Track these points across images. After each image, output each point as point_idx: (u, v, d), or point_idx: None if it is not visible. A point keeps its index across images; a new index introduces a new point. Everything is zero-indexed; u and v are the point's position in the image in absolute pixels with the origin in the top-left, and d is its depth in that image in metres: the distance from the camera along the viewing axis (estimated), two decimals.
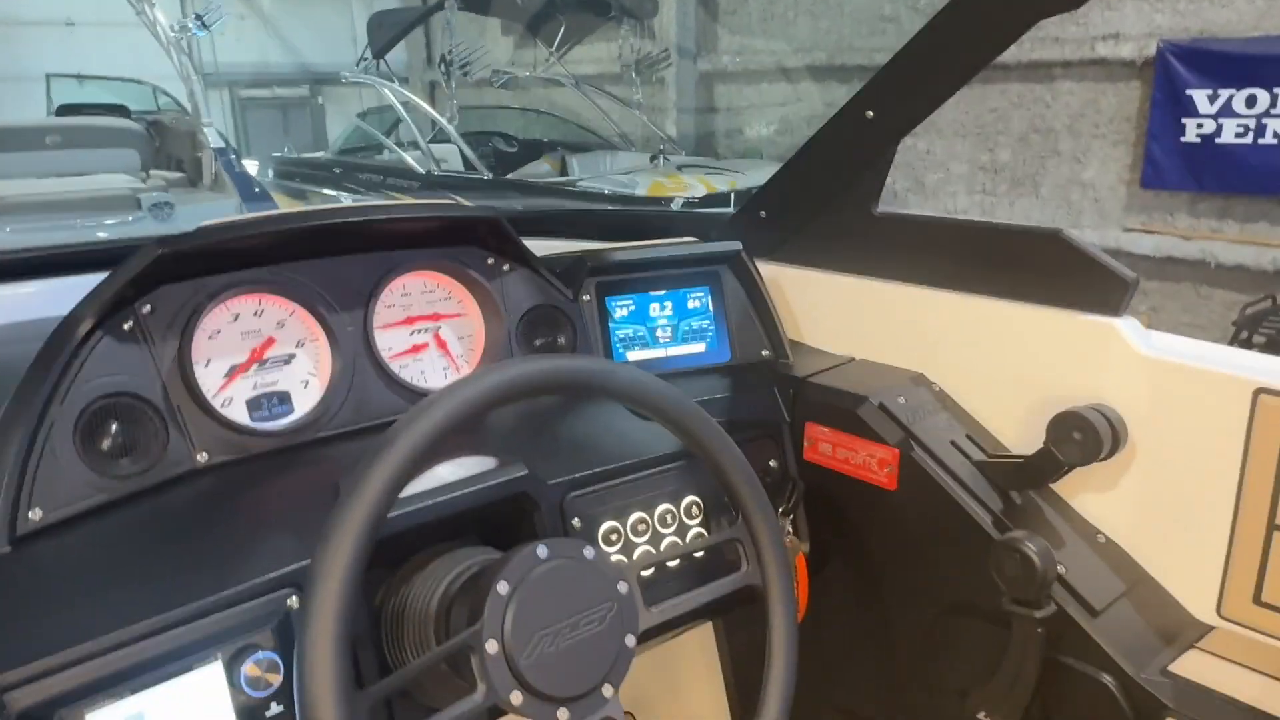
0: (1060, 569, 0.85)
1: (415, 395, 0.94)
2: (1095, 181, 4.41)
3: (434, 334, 0.98)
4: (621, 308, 1.06)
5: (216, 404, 0.85)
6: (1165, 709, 0.77)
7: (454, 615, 0.73)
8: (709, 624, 1.28)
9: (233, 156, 4.25)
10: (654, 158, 5.16)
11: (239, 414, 0.87)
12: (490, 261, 1.01)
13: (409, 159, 5.45)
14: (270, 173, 6.43)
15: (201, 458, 0.83)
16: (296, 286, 0.90)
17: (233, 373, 0.88)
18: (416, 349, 0.97)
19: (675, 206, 4.40)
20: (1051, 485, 0.93)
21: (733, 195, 4.43)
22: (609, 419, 0.96)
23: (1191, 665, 0.80)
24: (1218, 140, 3.91)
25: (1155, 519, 0.88)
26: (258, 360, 0.89)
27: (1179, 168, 4.07)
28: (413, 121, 5.61)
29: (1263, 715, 0.74)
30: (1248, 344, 3.44)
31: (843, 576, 1.04)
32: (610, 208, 2.63)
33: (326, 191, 5.76)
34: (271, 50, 9.40)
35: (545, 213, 1.84)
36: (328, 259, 0.92)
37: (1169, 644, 0.83)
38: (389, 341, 0.95)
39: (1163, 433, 0.86)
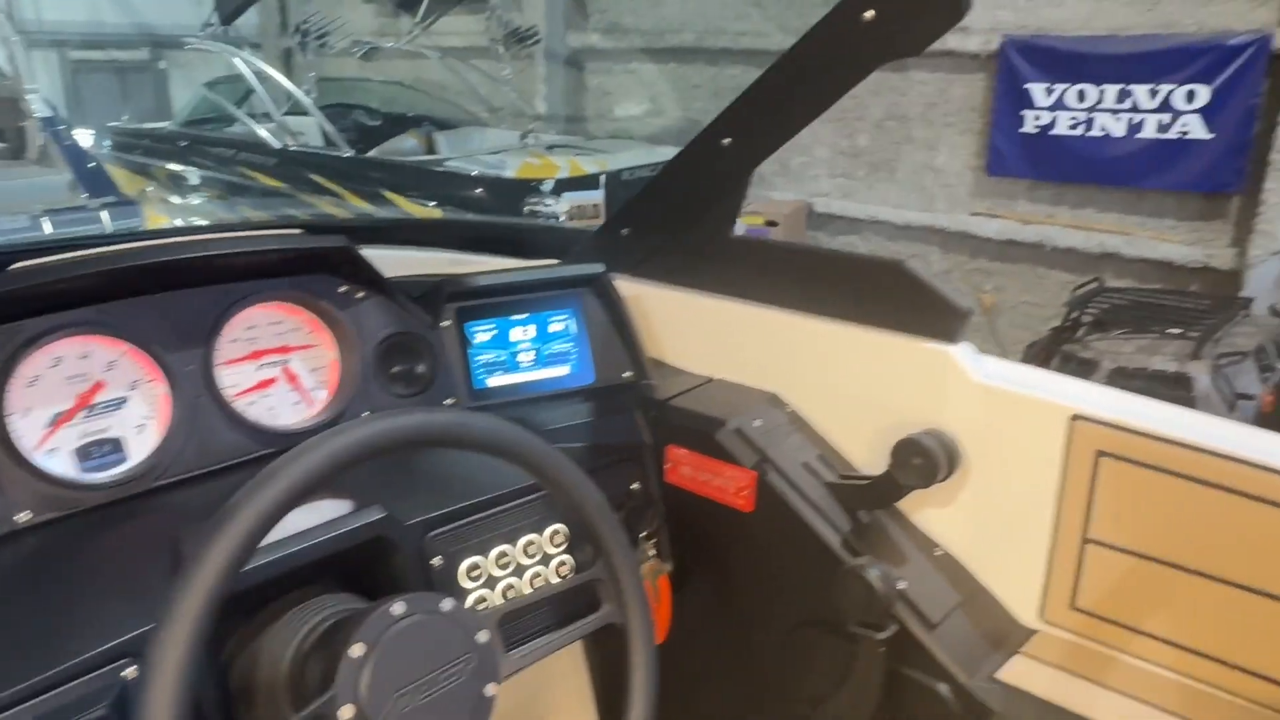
0: (901, 585, 0.91)
1: (263, 434, 0.90)
2: (946, 167, 4.65)
3: (283, 368, 0.94)
4: (482, 333, 1.05)
5: (37, 456, 0.79)
6: (992, 714, 0.84)
7: (308, 675, 0.71)
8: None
9: (62, 127, 3.91)
10: (524, 136, 5.08)
11: (64, 466, 0.81)
12: (343, 289, 0.97)
13: (263, 132, 5.15)
14: (107, 145, 5.94)
15: (22, 517, 0.77)
16: (128, 325, 0.84)
17: (56, 421, 0.82)
18: (264, 384, 0.93)
19: (545, 189, 4.36)
20: (895, 504, 0.99)
21: (602, 177, 4.42)
22: (464, 456, 0.95)
23: (1016, 671, 0.87)
24: (1053, 131, 4.19)
25: (986, 533, 0.95)
26: (85, 406, 0.83)
27: (1019, 156, 4.34)
28: (266, 93, 5.30)
29: (1075, 716, 0.82)
30: (1077, 323, 3.73)
31: (704, 595, 1.07)
32: (472, 217, 2.59)
33: (172, 167, 5.38)
34: (105, 8, 8.64)
35: (402, 222, 1.79)
36: (163, 294, 0.87)
37: (998, 649, 0.90)
38: (233, 379, 0.91)
39: (993, 453, 0.93)
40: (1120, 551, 0.86)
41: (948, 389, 0.94)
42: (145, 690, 0.56)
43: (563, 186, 4.35)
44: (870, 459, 1.00)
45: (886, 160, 4.84)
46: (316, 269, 0.95)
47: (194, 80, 6.81)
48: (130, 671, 0.68)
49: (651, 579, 1.01)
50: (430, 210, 4.46)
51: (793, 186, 5.20)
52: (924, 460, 0.88)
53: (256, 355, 0.93)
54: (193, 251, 0.84)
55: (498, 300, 1.06)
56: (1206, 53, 3.69)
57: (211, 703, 0.72)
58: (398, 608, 0.69)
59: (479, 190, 4.42)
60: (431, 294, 1.03)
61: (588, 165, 4.54)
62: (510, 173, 4.45)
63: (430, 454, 0.95)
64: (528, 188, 4.35)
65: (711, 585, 1.06)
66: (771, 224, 4.78)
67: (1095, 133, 4.10)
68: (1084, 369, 3.99)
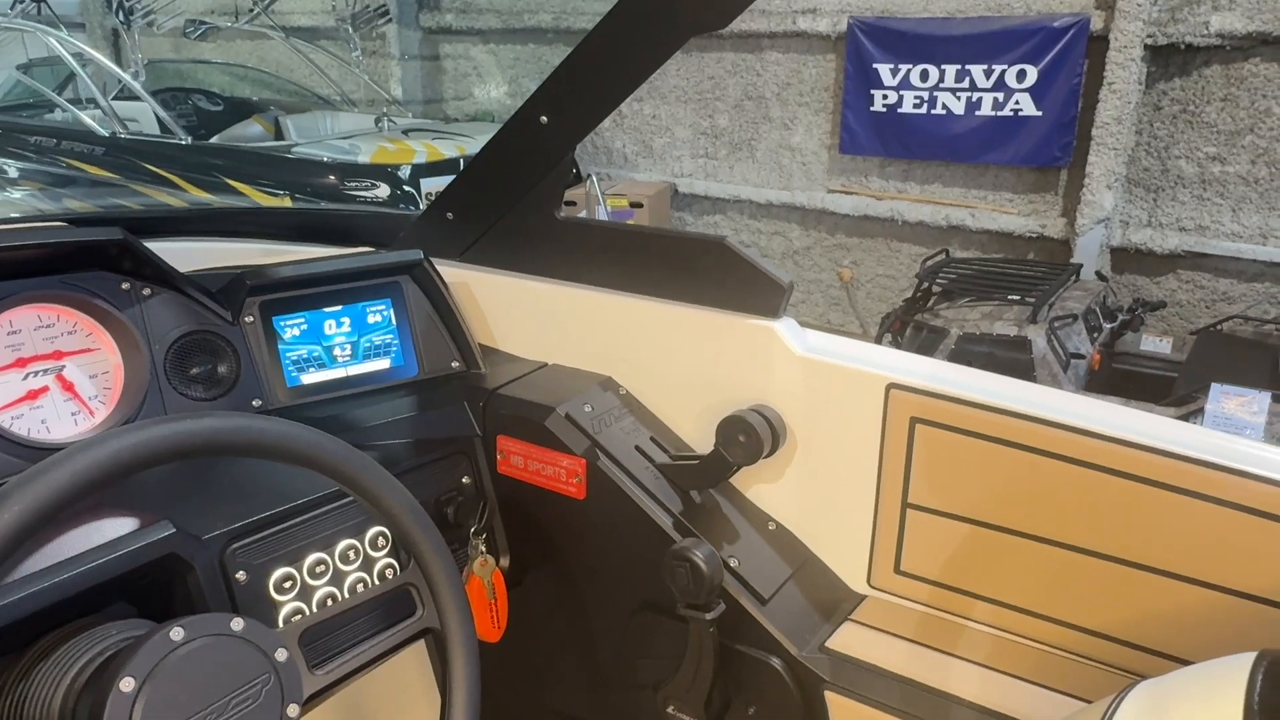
0: (734, 562, 0.91)
1: (33, 450, 0.81)
2: (802, 146, 4.76)
3: (56, 375, 0.85)
4: (292, 328, 0.98)
5: None
6: (824, 683, 0.85)
7: (78, 718, 0.64)
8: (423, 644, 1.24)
9: None
10: (378, 120, 4.89)
11: None
12: (125, 286, 0.89)
13: (88, 120, 4.76)
14: None
15: None
16: None
17: None
18: (33, 395, 0.84)
19: (402, 174, 4.21)
20: (729, 480, 0.99)
21: (461, 161, 4.31)
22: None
23: (845, 638, 0.89)
24: (900, 110, 4.34)
25: (815, 504, 0.96)
26: None
27: (870, 134, 4.48)
28: (89, 77, 4.90)
29: (902, 679, 0.84)
30: (928, 293, 3.90)
31: (543, 586, 1.05)
32: (284, 206, 2.42)
33: None
34: None
35: (209, 212, 1.67)
36: None
37: (829, 619, 0.91)
38: None
39: (817, 424, 0.94)
40: (938, 515, 0.89)
41: (772, 364, 0.94)
42: None
43: (420, 172, 4.21)
44: (703, 437, 0.99)
45: (746, 140, 4.91)
46: (91, 265, 0.86)
47: (7, 64, 6.23)
48: None
49: (485, 576, 0.97)
50: (281, 200, 4.23)
51: (656, 167, 5.21)
52: (748, 437, 0.88)
53: (22, 363, 0.83)
54: None
55: (307, 292, 0.99)
56: (1034, 34, 3.90)
57: None
58: (176, 633, 0.63)
59: (330, 177, 4.22)
60: (231, 288, 0.95)
61: (446, 149, 4.41)
62: (364, 158, 4.27)
63: (231, 461, 0.88)
64: (383, 173, 4.19)
65: (549, 577, 1.04)
66: (636, 205, 4.78)
67: (938, 111, 4.28)
68: (935, 336, 4.19)
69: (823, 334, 0.96)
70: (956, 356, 3.97)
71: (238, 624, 0.66)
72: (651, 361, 1.03)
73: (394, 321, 1.04)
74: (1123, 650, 0.81)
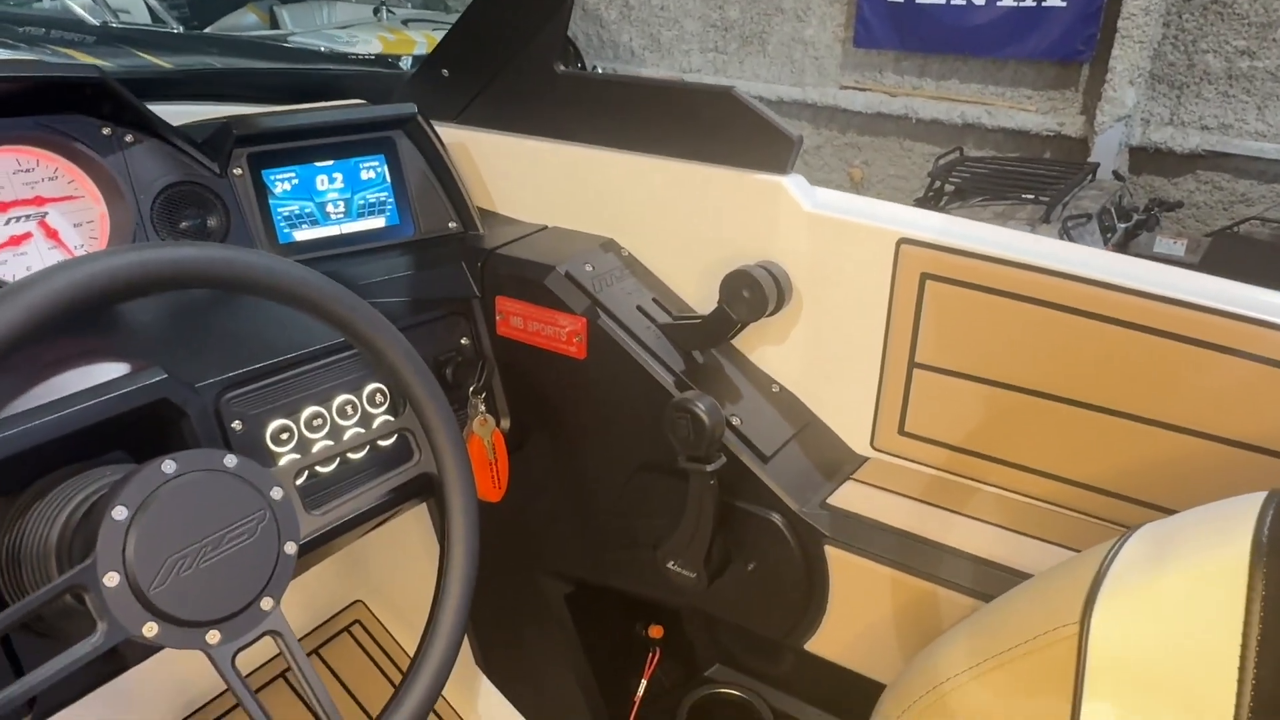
0: (735, 420, 0.90)
1: None
2: (815, 39, 4.59)
3: (39, 222, 0.82)
4: (282, 182, 0.95)
5: None
6: (824, 537, 0.85)
7: (74, 549, 0.64)
8: (424, 506, 1.25)
9: None
10: (376, 10, 4.72)
11: None
12: (106, 132, 0.85)
13: (77, 8, 4.59)
14: None
15: None
16: None
17: None
18: (16, 240, 0.81)
19: (403, 66, 4.07)
20: (732, 342, 0.97)
21: None
22: (265, 310, 0.86)
23: (846, 496, 0.88)
24: (918, 1, 4.17)
25: (820, 365, 0.94)
26: None
27: (886, 27, 4.31)
28: None
29: (902, 533, 0.83)
30: (940, 193, 3.81)
31: (544, 447, 1.04)
32: (267, 65, 2.29)
33: None
34: None
35: (193, 73, 1.60)
36: None
37: (830, 478, 0.91)
38: None
39: (824, 283, 0.91)
40: (946, 374, 0.87)
41: (779, 220, 0.91)
42: None
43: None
44: (706, 299, 0.97)
45: (757, 33, 4.74)
46: (68, 107, 0.83)
47: None
48: None
49: (485, 435, 0.97)
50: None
51: (664, 62, 5.05)
52: (752, 293, 0.86)
53: (3, 208, 0.80)
54: None
55: (296, 145, 0.95)
56: None
57: None
58: (168, 466, 0.62)
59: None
60: (217, 137, 0.92)
61: None
62: (362, 49, 4.13)
63: (228, 308, 0.86)
64: (383, 64, 4.06)
65: (550, 438, 1.03)
66: None
67: (958, 1, 4.10)
68: None
69: (833, 191, 0.93)
70: None
71: (231, 460, 0.65)
72: (654, 221, 0.99)
73: (388, 179, 1.01)
74: (1131, 507, 0.80)
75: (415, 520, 1.29)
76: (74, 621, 0.66)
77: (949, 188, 3.79)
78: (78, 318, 0.57)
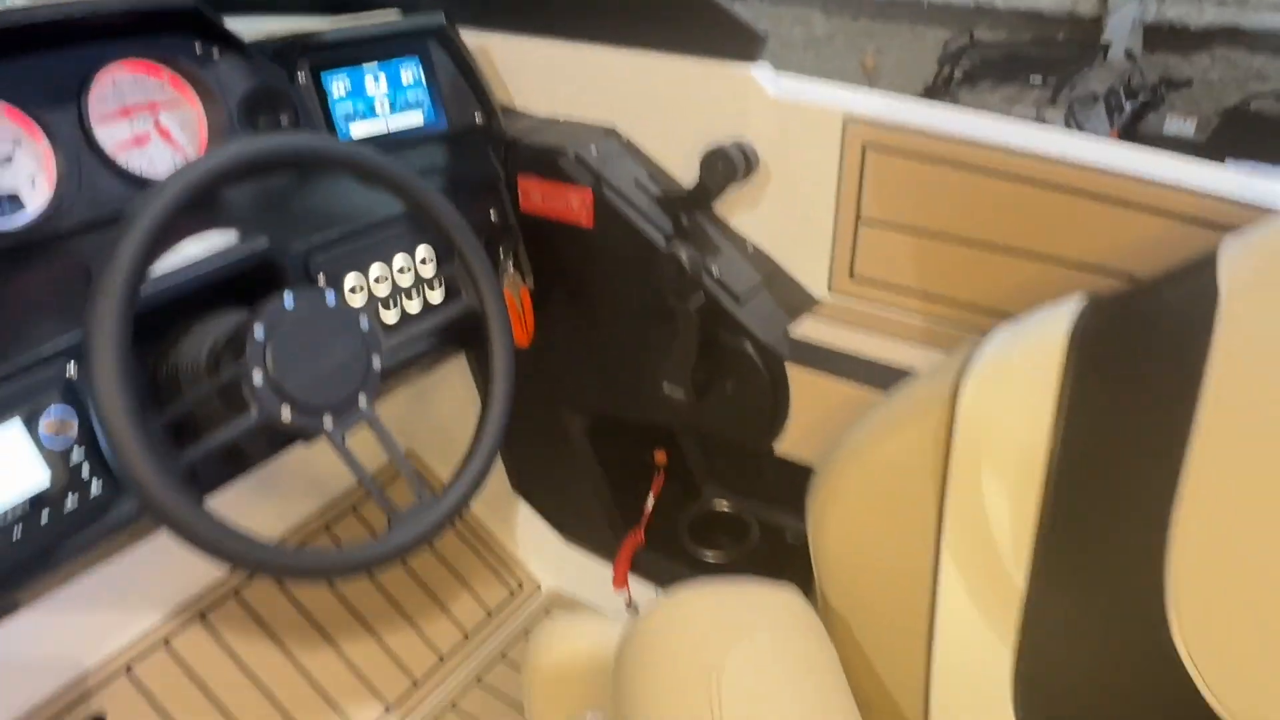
0: (715, 270, 1.11)
1: (146, 183, 1.01)
2: None
3: (154, 122, 1.04)
4: (338, 85, 1.15)
5: None
6: (785, 358, 1.07)
7: (223, 364, 0.88)
8: (465, 366, 1.50)
9: None
10: None
11: None
12: (199, 49, 1.05)
13: None
14: None
15: None
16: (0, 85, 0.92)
17: None
18: (140, 140, 1.03)
19: None
20: (713, 209, 1.17)
21: None
22: (340, 191, 1.08)
23: (803, 327, 1.10)
24: None
25: (785, 225, 1.14)
26: None
27: None
28: None
29: (845, 352, 1.05)
30: (949, 79, 3.88)
31: (563, 303, 1.27)
32: None
33: None
34: None
35: None
36: (25, 57, 0.94)
37: (792, 315, 1.12)
38: (111, 134, 1.00)
39: (787, 157, 1.10)
40: (886, 227, 1.07)
41: (749, 105, 1.10)
42: (91, 367, 0.71)
43: None
44: (691, 173, 1.17)
45: None
46: (169, 30, 1.03)
47: None
48: (71, 369, 0.84)
49: (514, 292, 1.19)
50: None
51: None
52: (724, 163, 1.05)
53: (127, 112, 1.02)
54: (49, 15, 0.91)
55: (348, 53, 1.15)
56: None
57: (146, 402, 0.88)
58: (288, 300, 0.85)
59: None
60: (286, 49, 1.11)
61: None
62: None
63: (309, 190, 1.08)
64: None
65: (567, 294, 1.26)
66: None
67: None
68: None
69: (797, 77, 1.11)
70: None
71: (330, 297, 0.88)
72: (646, 110, 1.18)
73: (424, 80, 1.20)
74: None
75: (459, 382, 1.54)
76: (223, 422, 0.91)
77: (958, 73, 3.85)
78: (209, 197, 0.79)
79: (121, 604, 1.39)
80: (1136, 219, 0.89)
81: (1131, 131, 3.92)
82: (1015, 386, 0.76)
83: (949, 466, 0.79)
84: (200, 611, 1.45)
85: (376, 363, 0.90)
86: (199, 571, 1.48)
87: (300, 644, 1.49)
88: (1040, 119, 3.84)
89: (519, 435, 1.55)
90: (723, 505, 1.46)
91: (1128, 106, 3.88)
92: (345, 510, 1.66)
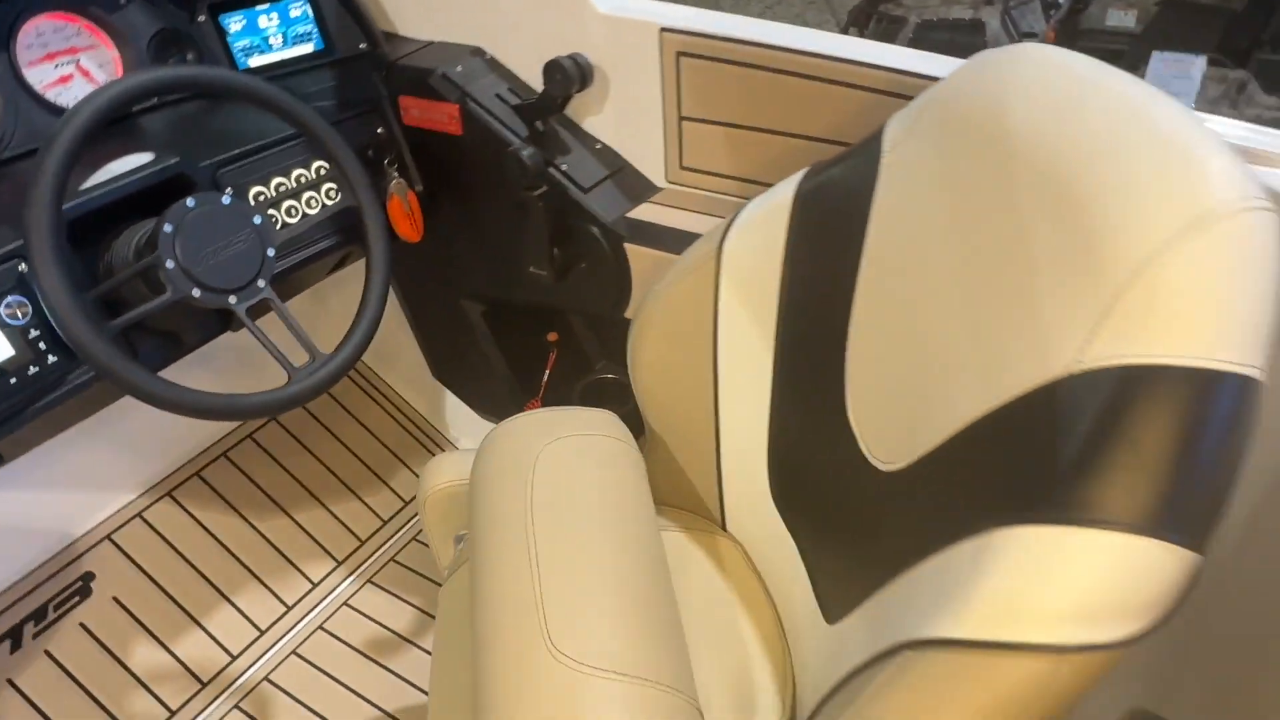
0: (564, 166, 1.32)
1: None
2: None
3: (76, 65, 1.23)
4: (235, 23, 1.33)
5: None
6: (624, 238, 1.29)
7: (142, 256, 1.09)
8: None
9: None
10: None
11: None
12: None
13: None
14: None
15: None
16: None
17: None
18: (65, 79, 1.22)
19: None
20: (565, 113, 1.37)
21: None
22: (239, 117, 1.28)
23: (641, 212, 1.32)
24: None
25: (626, 125, 1.35)
26: None
27: None
28: None
29: (672, 230, 1.27)
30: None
31: (448, 203, 1.48)
32: None
33: None
34: None
35: None
36: None
37: (634, 202, 1.34)
38: (39, 76, 1.19)
39: (618, 65, 1.30)
40: (703, 122, 1.27)
41: (583, 21, 1.29)
42: (32, 258, 0.93)
43: None
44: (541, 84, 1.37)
45: None
46: None
47: None
48: (22, 266, 1.05)
49: (401, 194, 1.40)
50: None
51: None
52: (563, 75, 1.25)
53: (51, 56, 1.21)
54: None
55: None
56: None
57: (87, 285, 1.10)
58: (190, 201, 1.06)
59: None
60: None
61: None
62: None
63: (213, 117, 1.27)
64: None
65: (450, 195, 1.47)
66: None
67: None
68: (895, 25, 4.33)
69: None
70: (916, 43, 4.14)
71: (226, 198, 1.09)
72: (504, 31, 1.37)
73: (311, 14, 1.39)
74: None
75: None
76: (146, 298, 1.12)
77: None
78: (122, 121, 0.99)
79: (99, 485, 1.63)
80: (853, 96, 1.10)
81: (1071, 27, 4.06)
82: (758, 238, 0.99)
83: (718, 303, 1.02)
84: (168, 490, 1.69)
85: (271, 252, 1.12)
86: (166, 456, 1.72)
87: (258, 514, 1.74)
88: (977, 19, 3.96)
89: (431, 327, 1.78)
90: (609, 374, 1.70)
91: (1063, 2, 4.00)
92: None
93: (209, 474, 1.74)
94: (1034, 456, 0.59)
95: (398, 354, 1.91)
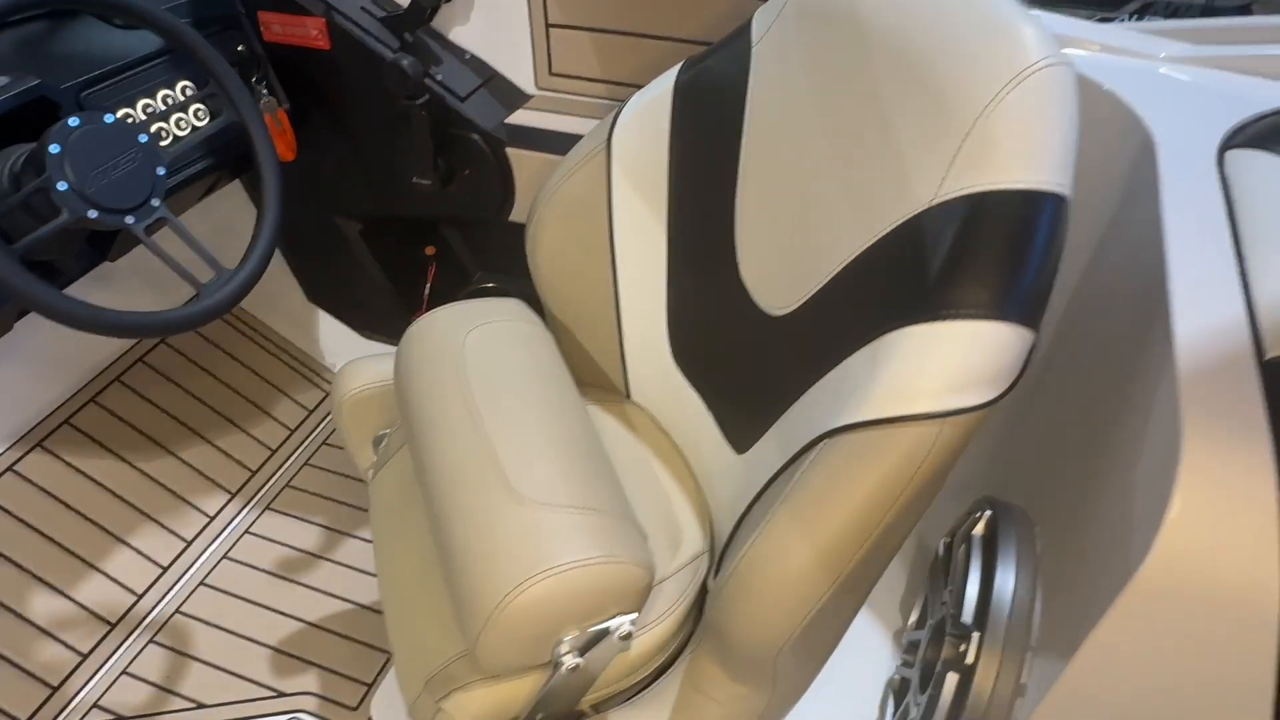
0: (439, 76, 1.36)
1: None
2: None
3: None
4: None
5: None
6: (504, 143, 1.36)
7: (23, 181, 1.06)
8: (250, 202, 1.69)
9: None
10: None
11: None
12: None
13: None
14: None
15: None
16: None
17: None
18: None
19: None
20: (434, 26, 1.41)
21: None
22: (96, 35, 1.23)
23: (519, 117, 1.39)
24: None
25: (493, 35, 1.40)
26: None
27: None
28: None
29: (553, 132, 1.35)
30: None
31: (320, 120, 1.48)
32: None
33: None
34: None
35: None
36: None
37: (509, 108, 1.41)
38: None
39: None
40: (569, 29, 1.35)
41: None
42: None
43: None
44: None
45: None
46: None
47: None
48: None
49: (270, 111, 1.40)
50: None
51: None
52: None
53: None
54: None
55: None
56: None
57: None
58: (74, 120, 1.04)
59: None
60: None
61: None
62: None
63: (63, 35, 1.22)
64: None
65: (322, 111, 1.47)
66: None
67: None
68: None
69: None
70: None
71: (109, 118, 1.07)
72: None
73: None
74: None
75: (248, 213, 1.73)
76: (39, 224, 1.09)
77: None
78: None
79: None
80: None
81: None
82: (644, 128, 1.10)
83: (611, 189, 1.13)
84: (37, 441, 1.63)
85: (162, 170, 1.12)
86: (27, 408, 1.65)
87: (140, 456, 1.71)
88: None
89: (305, 249, 1.78)
90: (488, 283, 1.77)
91: None
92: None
93: (80, 420, 1.69)
94: (907, 274, 0.75)
95: (267, 281, 1.89)
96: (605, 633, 0.82)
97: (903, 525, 0.73)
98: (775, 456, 0.90)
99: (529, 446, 0.92)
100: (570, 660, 0.81)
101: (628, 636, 0.84)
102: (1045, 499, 1.05)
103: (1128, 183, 0.99)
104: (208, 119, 1.31)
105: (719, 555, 0.99)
